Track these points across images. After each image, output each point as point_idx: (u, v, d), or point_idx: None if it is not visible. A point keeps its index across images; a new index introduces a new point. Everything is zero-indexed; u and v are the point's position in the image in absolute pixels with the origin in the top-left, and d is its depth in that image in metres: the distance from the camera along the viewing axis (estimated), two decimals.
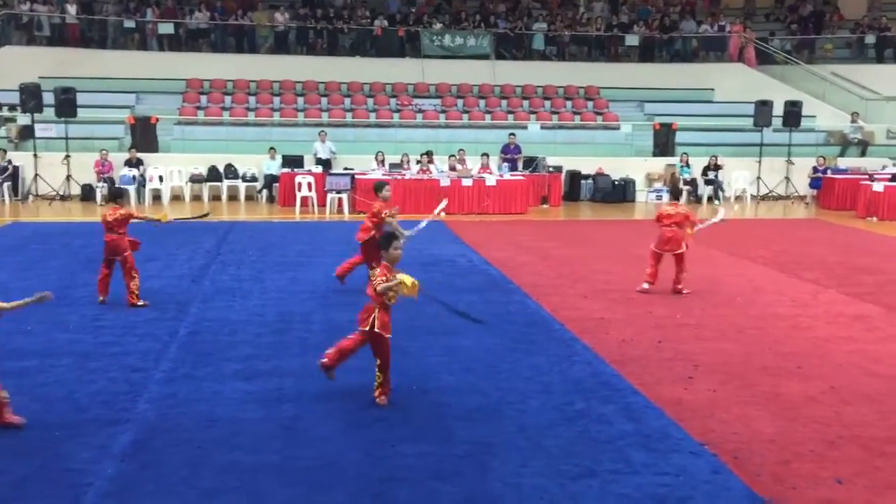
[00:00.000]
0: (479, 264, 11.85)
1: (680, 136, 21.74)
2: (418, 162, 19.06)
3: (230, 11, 25.00)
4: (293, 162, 19.15)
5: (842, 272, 11.70)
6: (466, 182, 17.97)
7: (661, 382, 6.80)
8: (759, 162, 20.73)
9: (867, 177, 18.91)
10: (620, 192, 20.37)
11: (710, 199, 20.18)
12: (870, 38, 26.56)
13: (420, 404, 6.24)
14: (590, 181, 20.57)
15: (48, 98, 18.76)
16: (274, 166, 19.23)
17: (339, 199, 17.72)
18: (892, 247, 14.40)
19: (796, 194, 20.89)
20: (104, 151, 18.78)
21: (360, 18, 25.36)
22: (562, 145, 21.63)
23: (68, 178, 18.57)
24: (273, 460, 5.21)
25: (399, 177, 17.83)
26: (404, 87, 23.82)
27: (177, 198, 19.18)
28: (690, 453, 5.39)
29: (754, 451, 5.45)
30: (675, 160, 20.83)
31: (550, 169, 19.75)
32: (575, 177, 20.49)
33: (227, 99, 22.61)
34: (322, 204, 17.81)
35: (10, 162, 18.43)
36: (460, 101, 23.51)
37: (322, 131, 20.01)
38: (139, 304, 8.93)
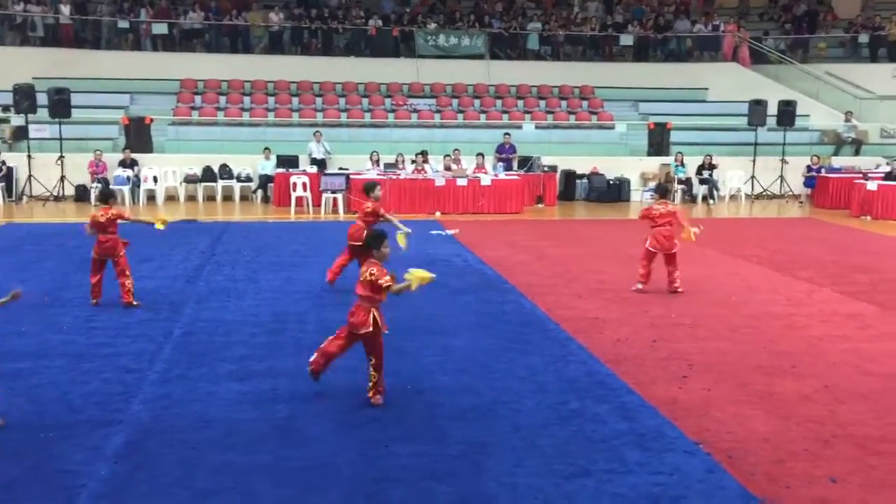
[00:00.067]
0: (474, 264, 11.84)
1: (674, 136, 21.76)
2: (413, 162, 19.04)
3: (224, 11, 24.95)
4: (288, 162, 19.15)
5: (836, 271, 11.72)
6: (461, 182, 17.97)
7: (656, 382, 6.81)
8: (754, 161, 20.77)
9: (861, 176, 18.96)
10: (615, 192, 20.38)
11: (704, 198, 20.21)
12: (863, 38, 26.59)
13: (414, 404, 6.24)
14: (585, 181, 20.57)
15: (42, 99, 18.70)
16: (269, 166, 19.21)
17: (335, 199, 17.71)
18: (886, 245, 14.44)
19: (790, 193, 20.93)
20: (98, 152, 18.74)
21: (354, 18, 25.32)
22: (557, 145, 21.63)
23: (62, 178, 18.53)
24: (267, 461, 5.20)
25: (394, 177, 17.82)
26: (399, 87, 23.80)
27: (171, 198, 19.15)
28: (685, 452, 5.40)
29: (748, 450, 5.46)
30: (669, 159, 20.85)
31: (545, 168, 19.76)
32: (570, 176, 20.50)
33: (222, 99, 22.57)
34: (317, 204, 17.80)
35: (3, 163, 18.37)
36: (455, 101, 23.50)
37: (317, 131, 19.98)
38: (134, 303, 8.92)
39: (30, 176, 18.53)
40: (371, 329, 6.07)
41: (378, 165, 18.98)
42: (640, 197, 20.49)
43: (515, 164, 19.94)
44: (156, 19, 24.14)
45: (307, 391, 6.36)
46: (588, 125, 23.15)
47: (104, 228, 8.84)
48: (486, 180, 18.06)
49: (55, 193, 18.46)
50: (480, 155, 19.42)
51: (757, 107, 20.97)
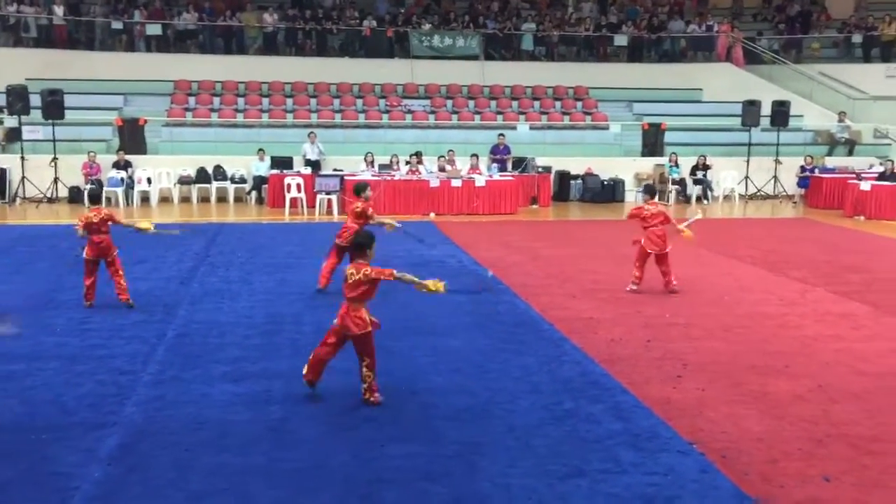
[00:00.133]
0: (468, 265, 11.84)
1: (669, 136, 21.78)
2: (407, 163, 19.05)
3: (218, 12, 24.90)
4: (282, 163, 19.12)
5: (829, 271, 11.75)
6: (456, 183, 17.96)
7: (650, 382, 6.82)
8: (748, 161, 20.80)
9: (854, 176, 19.01)
10: (609, 193, 20.39)
11: (698, 198, 20.24)
12: (857, 38, 26.66)
13: (408, 405, 6.24)
14: (579, 181, 20.59)
15: (35, 100, 18.65)
16: (263, 168, 19.18)
17: (329, 201, 17.69)
18: (878, 245, 14.48)
19: (784, 193, 20.97)
20: (92, 153, 18.70)
21: (348, 19, 25.30)
22: (551, 145, 21.65)
23: (56, 180, 18.47)
24: (261, 462, 5.20)
25: (388, 178, 17.81)
26: (393, 88, 23.79)
27: (165, 199, 19.11)
28: (679, 452, 5.41)
29: (742, 450, 5.47)
30: (663, 160, 20.87)
31: (540, 169, 19.75)
32: (564, 177, 20.51)
33: (216, 100, 22.53)
34: (311, 205, 17.78)
35: None
36: (449, 102, 23.50)
37: (311, 132, 19.97)
38: (130, 301, 8.91)
39: (23, 177, 18.47)
40: (364, 329, 6.07)
41: (372, 166, 18.96)
42: (635, 198, 20.50)
43: (510, 165, 19.95)
44: (149, 20, 24.10)
45: (301, 393, 6.36)
46: (582, 126, 23.17)
47: (97, 229, 8.84)
48: (480, 181, 18.07)
49: (49, 195, 18.41)
50: (475, 156, 19.41)
51: (751, 107, 21.01)
